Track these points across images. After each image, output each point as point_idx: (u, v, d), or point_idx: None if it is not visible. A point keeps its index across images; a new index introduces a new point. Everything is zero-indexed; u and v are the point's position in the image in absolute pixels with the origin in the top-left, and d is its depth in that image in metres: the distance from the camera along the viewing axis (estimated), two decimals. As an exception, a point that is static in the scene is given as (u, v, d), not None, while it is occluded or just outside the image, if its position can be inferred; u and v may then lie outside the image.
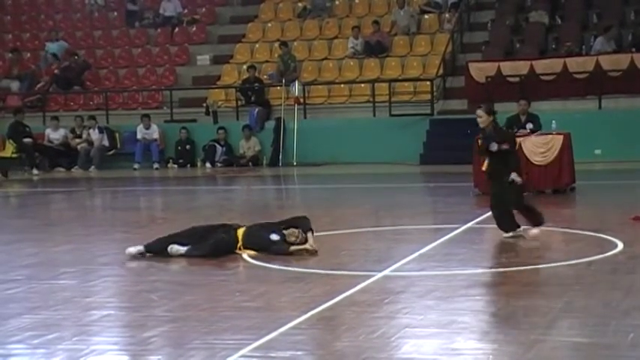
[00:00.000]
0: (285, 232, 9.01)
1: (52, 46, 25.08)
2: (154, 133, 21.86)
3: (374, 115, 21.08)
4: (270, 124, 21.51)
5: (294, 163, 20.38)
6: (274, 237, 9.03)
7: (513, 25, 22.11)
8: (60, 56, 24.83)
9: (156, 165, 21.52)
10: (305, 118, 21.40)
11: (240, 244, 8.93)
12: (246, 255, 8.86)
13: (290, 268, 8.25)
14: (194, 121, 22.20)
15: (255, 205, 14.51)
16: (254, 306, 6.80)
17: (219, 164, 21.30)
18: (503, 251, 9.23)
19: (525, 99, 14.60)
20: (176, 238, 9.03)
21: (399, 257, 8.56)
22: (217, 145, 21.41)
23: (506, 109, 17.64)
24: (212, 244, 8.88)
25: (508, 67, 20.20)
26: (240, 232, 8.98)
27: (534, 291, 7.14)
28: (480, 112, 9.37)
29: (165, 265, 8.65)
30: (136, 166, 21.57)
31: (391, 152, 20.00)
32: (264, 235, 9.02)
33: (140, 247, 8.97)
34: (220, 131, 21.37)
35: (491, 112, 9.34)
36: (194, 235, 9.06)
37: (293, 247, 8.92)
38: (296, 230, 9.00)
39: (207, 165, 21.27)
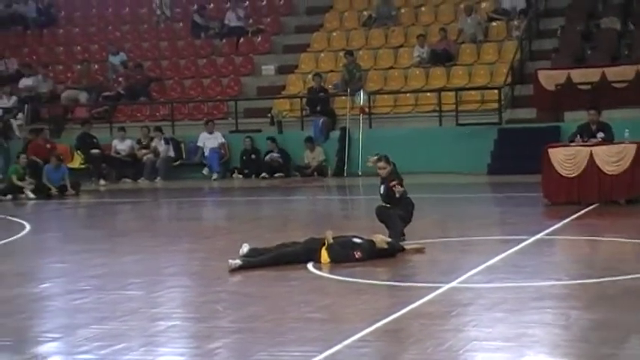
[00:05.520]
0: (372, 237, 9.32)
1: (113, 59, 25.52)
2: (218, 139, 22.04)
3: (440, 125, 20.97)
4: (335, 134, 21.54)
5: (359, 174, 20.37)
6: (357, 240, 9.23)
7: (584, 32, 21.80)
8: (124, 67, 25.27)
9: (214, 176, 21.60)
10: (370, 127, 21.38)
11: (324, 258, 9.06)
12: (310, 265, 8.90)
13: (355, 280, 8.25)
14: (259, 131, 22.33)
15: (320, 216, 14.55)
16: (319, 317, 6.81)
17: (266, 175, 21.15)
18: (575, 263, 9.11)
19: (595, 108, 14.39)
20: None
21: (466, 269, 8.51)
22: (274, 155, 21.46)
23: (576, 118, 17.46)
24: (300, 247, 9.11)
25: (578, 75, 19.93)
26: (324, 250, 9.11)
27: (607, 304, 7.02)
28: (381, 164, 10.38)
29: (230, 276, 8.72)
30: (214, 176, 21.58)
31: (458, 162, 19.86)
32: (346, 242, 9.20)
33: (238, 261, 8.99)
34: (269, 141, 21.40)
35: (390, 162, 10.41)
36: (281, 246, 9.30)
37: (404, 244, 9.50)
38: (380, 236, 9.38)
39: (263, 174, 21.23)
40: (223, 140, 22.10)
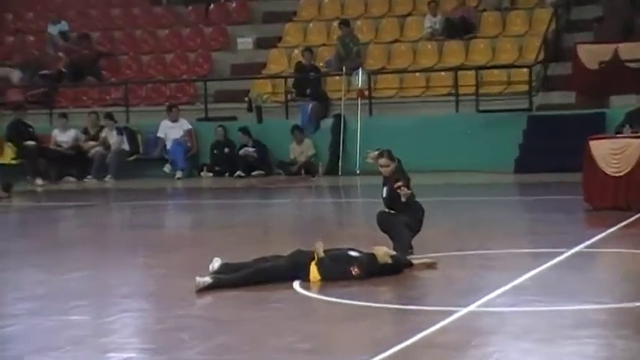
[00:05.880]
0: (373, 249, 9.30)
1: (53, 29, 25.45)
2: (184, 127, 22.09)
3: (457, 112, 21.03)
4: (327, 123, 21.57)
5: (357, 172, 20.39)
6: (354, 253, 9.26)
7: (634, -3, 21.88)
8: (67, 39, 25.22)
9: (178, 174, 21.73)
10: (371, 114, 21.43)
11: (314, 274, 9.07)
12: (296, 284, 8.93)
13: (352, 302, 8.25)
14: (234, 119, 22.35)
15: (308, 223, 14.58)
16: (307, 348, 6.82)
17: (241, 174, 21.28)
18: (621, 282, 9.13)
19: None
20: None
21: (488, 289, 8.53)
22: (249, 150, 21.54)
23: (624, 103, 17.52)
24: (284, 262, 9.11)
25: (627, 50, 19.96)
26: (313, 265, 9.11)
27: (660, 332, 7.06)
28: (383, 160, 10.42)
29: (197, 297, 8.72)
30: (178, 174, 21.74)
31: (479, 158, 19.91)
32: (341, 255, 9.21)
33: (207, 279, 8.94)
34: (240, 133, 21.52)
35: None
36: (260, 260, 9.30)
37: (412, 258, 9.51)
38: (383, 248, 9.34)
39: (239, 172, 21.33)
40: (190, 128, 22.09)
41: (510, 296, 8.37)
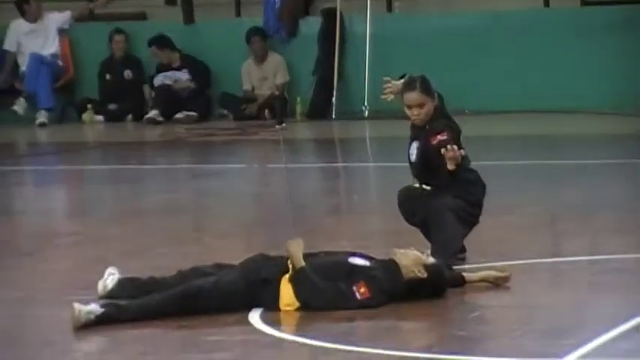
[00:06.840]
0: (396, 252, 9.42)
1: None
2: (51, 33, 22.27)
3: (547, 5, 21.13)
4: (310, 26, 21.77)
5: (366, 113, 20.45)
6: (359, 260, 9.35)
7: None
8: None
9: (42, 117, 22.05)
10: (390, 10, 21.53)
11: (287, 298, 9.18)
12: (256, 316, 8.94)
13: (357, 349, 8.24)
14: (141, 18, 22.54)
15: (276, 207, 14.56)
16: None
17: (157, 117, 21.68)
18: None
19: None
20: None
21: (600, 325, 8.56)
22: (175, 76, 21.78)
23: None
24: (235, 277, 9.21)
25: None
26: (286, 281, 9.21)
27: None
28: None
29: (76, 338, 8.67)
30: (42, 117, 22.11)
31: (587, 89, 20.05)
32: (336, 265, 9.30)
33: (94, 307, 8.93)
34: (156, 49, 21.91)
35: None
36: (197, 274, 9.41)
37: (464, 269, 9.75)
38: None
39: (153, 114, 21.75)
40: (62, 33, 22.16)
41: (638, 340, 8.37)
